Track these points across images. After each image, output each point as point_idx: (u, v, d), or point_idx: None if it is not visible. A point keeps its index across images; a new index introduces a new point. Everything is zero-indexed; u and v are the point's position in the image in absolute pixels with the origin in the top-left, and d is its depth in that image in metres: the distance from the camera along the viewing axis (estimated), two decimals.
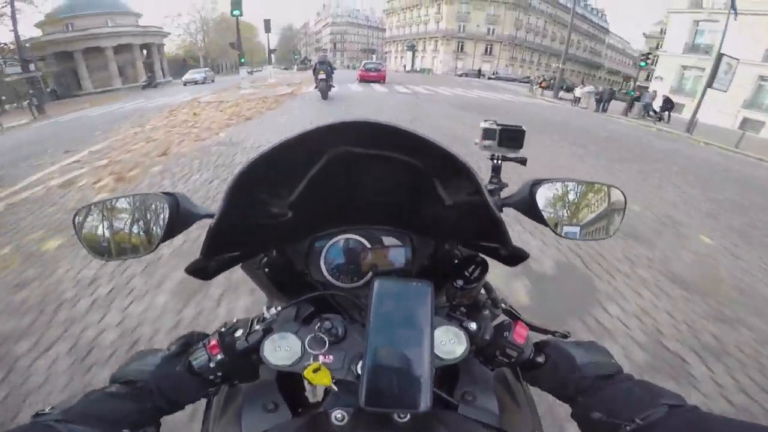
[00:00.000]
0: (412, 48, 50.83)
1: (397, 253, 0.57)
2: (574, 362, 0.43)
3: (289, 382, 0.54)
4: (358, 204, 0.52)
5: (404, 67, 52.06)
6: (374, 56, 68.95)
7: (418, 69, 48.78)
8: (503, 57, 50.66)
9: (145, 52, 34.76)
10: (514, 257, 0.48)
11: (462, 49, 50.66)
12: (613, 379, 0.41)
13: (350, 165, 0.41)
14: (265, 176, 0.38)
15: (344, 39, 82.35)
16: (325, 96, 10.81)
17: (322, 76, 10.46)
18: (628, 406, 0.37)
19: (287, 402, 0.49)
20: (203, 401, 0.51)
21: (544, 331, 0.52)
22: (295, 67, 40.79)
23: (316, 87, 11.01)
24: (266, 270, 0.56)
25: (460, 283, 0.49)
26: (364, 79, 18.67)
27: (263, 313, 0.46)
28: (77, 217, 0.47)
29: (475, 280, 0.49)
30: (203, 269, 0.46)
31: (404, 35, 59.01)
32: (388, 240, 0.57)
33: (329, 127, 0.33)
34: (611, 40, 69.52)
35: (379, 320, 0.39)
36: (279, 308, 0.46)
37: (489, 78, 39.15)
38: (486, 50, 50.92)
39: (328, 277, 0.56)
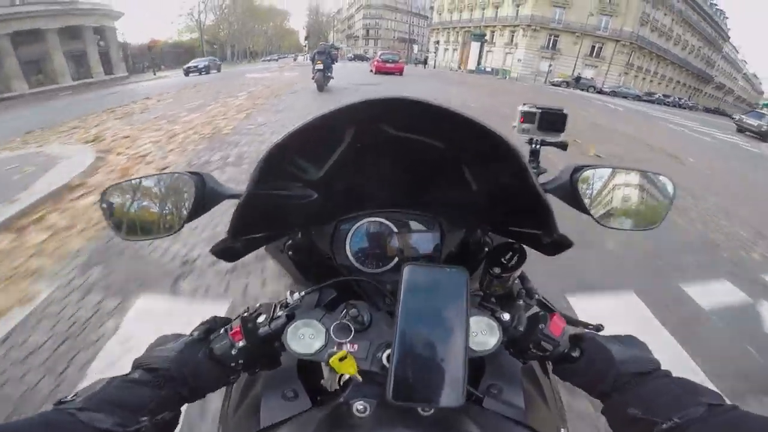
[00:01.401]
0: (481, 38, 37.84)
1: (426, 239, 0.55)
2: (611, 357, 0.41)
3: (308, 369, 0.53)
4: (386, 187, 0.50)
5: (460, 65, 39.79)
6: (415, 47, 65.46)
7: (487, 69, 36.27)
8: (617, 63, 37.15)
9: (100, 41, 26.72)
10: (556, 245, 0.44)
11: (554, 45, 36.92)
12: (651, 376, 0.40)
13: (380, 146, 0.40)
14: (294, 155, 0.37)
15: (378, 26, 72.90)
16: (321, 88, 9.79)
17: (319, 66, 9.49)
18: (667, 403, 0.36)
19: (306, 390, 0.48)
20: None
21: (577, 323, 0.50)
22: (306, 56, 28.36)
23: (312, 78, 9.94)
24: (290, 253, 0.55)
25: (497, 270, 0.47)
26: (379, 71, 17.43)
27: (286, 298, 0.45)
28: (105, 197, 0.47)
29: (513, 268, 0.47)
30: (229, 250, 0.45)
31: (460, 21, 45.20)
32: (416, 225, 0.55)
33: (362, 104, 0.32)
34: (726, 49, 56.94)
35: (410, 308, 0.37)
36: (302, 293, 0.45)
37: (600, 91, 29.37)
38: (592, 51, 37.21)
39: (353, 261, 0.55)
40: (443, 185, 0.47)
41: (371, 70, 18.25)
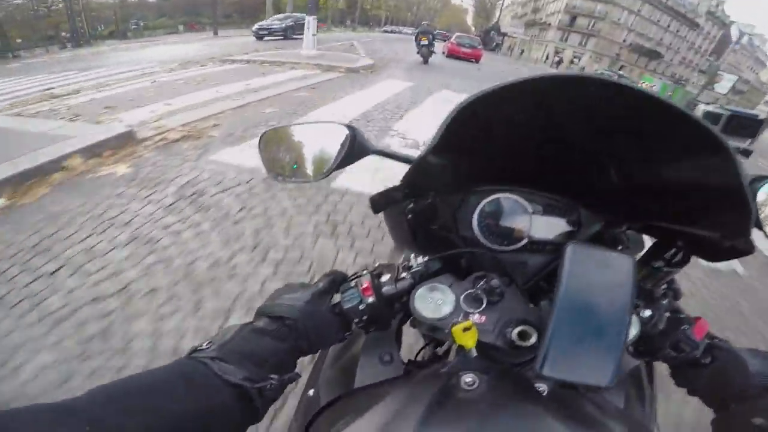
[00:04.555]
0: None
1: (560, 225, 0.52)
2: (745, 368, 0.40)
3: (398, 336, 0.54)
4: (527, 164, 0.47)
5: None
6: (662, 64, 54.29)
7: None
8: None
9: None
10: (730, 250, 0.38)
11: None
12: None
13: (542, 122, 0.38)
14: (473, 119, 0.36)
15: (600, 14, 49.05)
16: (426, 61, 11.65)
17: (424, 42, 11.52)
18: None
19: None
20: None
21: (708, 334, 0.47)
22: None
23: (418, 52, 11.86)
24: (409, 216, 0.52)
25: (659, 264, 0.46)
26: (452, 54, 16.33)
27: (409, 261, 0.46)
28: (263, 138, 0.51)
29: (677, 265, 0.45)
30: (382, 199, 0.47)
31: None
32: (552, 209, 0.52)
33: (552, 79, 0.31)
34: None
35: (574, 286, 0.36)
36: (426, 258, 0.45)
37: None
38: None
39: (478, 235, 0.52)
40: (589, 173, 0.45)
41: (443, 52, 16.87)
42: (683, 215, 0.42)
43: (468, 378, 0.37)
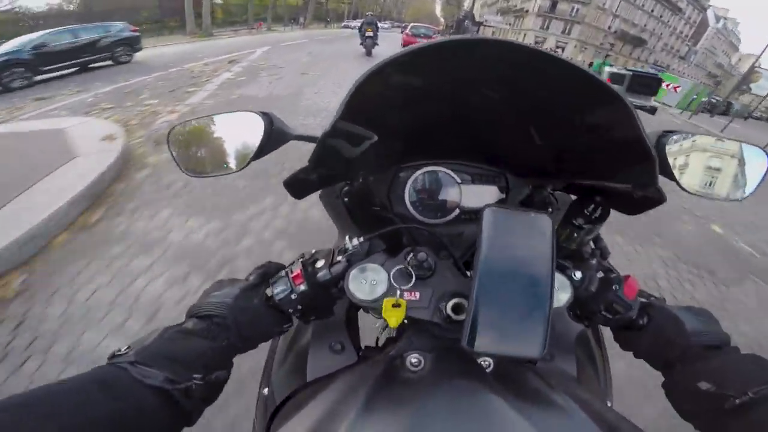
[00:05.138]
0: None
1: (489, 193, 0.53)
2: (682, 327, 0.41)
3: (350, 323, 0.55)
4: (451, 136, 0.48)
5: None
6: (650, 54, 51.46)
7: None
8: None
9: None
10: (645, 201, 0.40)
11: None
12: (722, 350, 0.40)
13: (459, 90, 0.38)
14: (377, 91, 0.35)
15: None
16: (369, 53, 11.37)
17: (369, 34, 11.21)
18: (738, 378, 0.35)
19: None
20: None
21: (640, 293, 0.47)
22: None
23: (361, 43, 11.58)
24: (345, 199, 0.53)
25: (580, 221, 0.46)
26: (408, 45, 14.46)
27: (345, 244, 0.44)
28: (171, 134, 0.48)
29: (597, 221, 0.46)
30: (300, 183, 0.45)
31: None
32: (479, 177, 0.53)
33: (449, 42, 0.30)
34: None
35: (492, 253, 0.34)
36: (361, 239, 0.44)
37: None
38: None
39: (411, 211, 0.53)
40: (512, 139, 0.46)
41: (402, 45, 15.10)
42: (598, 171, 0.43)
43: (413, 358, 0.37)
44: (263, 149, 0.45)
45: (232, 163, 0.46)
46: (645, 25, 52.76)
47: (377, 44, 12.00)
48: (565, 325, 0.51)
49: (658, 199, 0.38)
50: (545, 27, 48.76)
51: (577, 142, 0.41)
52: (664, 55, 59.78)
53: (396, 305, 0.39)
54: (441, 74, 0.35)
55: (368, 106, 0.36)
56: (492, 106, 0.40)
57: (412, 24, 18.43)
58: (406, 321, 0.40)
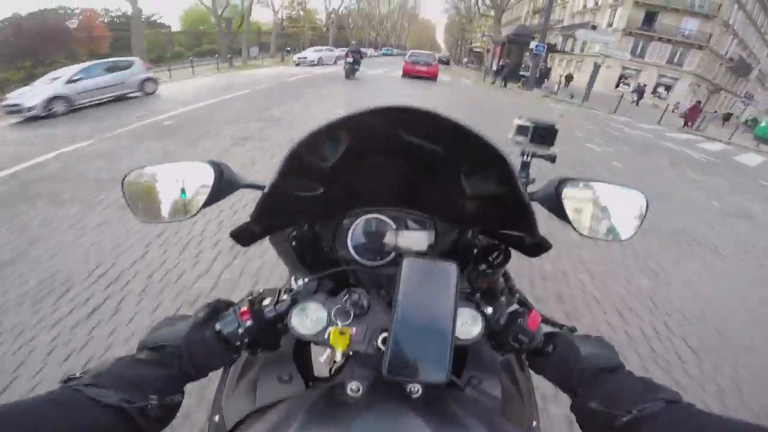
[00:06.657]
0: None
1: (421, 237, 0.56)
2: (578, 354, 0.45)
3: (301, 356, 0.59)
4: (387, 186, 0.53)
5: None
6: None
7: None
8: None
9: None
10: (537, 248, 0.49)
11: None
12: (615, 373, 0.43)
13: (383, 148, 0.43)
14: (313, 151, 0.39)
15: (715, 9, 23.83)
16: (347, 76, 13.10)
17: (350, 60, 13.01)
18: (627, 398, 0.38)
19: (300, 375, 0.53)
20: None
21: (553, 324, 0.54)
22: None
23: (344, 68, 13.37)
24: (293, 244, 0.59)
25: (483, 267, 0.53)
26: (407, 74, 15.75)
27: (290, 284, 0.49)
28: (126, 180, 0.50)
29: (498, 266, 0.54)
30: (245, 234, 0.49)
31: None
32: (412, 223, 0.58)
33: (370, 112, 0.34)
34: None
35: (407, 296, 0.40)
36: (306, 280, 0.49)
37: None
38: None
39: (353, 254, 0.57)
40: (440, 188, 0.50)
41: (402, 73, 16.16)
42: (500, 220, 0.49)
43: (353, 385, 0.42)
44: (213, 197, 0.48)
45: (184, 210, 0.49)
46: (753, 47, 32.26)
47: (357, 69, 13.68)
48: (490, 354, 0.56)
49: (545, 246, 0.48)
50: (638, 52, 27.10)
51: (479, 195, 0.46)
52: (754, 84, 35.16)
53: (342, 332, 0.44)
54: (366, 136, 0.39)
55: (309, 162, 0.40)
56: (410, 161, 0.45)
57: (411, 51, 17.50)
58: (351, 353, 0.46)
